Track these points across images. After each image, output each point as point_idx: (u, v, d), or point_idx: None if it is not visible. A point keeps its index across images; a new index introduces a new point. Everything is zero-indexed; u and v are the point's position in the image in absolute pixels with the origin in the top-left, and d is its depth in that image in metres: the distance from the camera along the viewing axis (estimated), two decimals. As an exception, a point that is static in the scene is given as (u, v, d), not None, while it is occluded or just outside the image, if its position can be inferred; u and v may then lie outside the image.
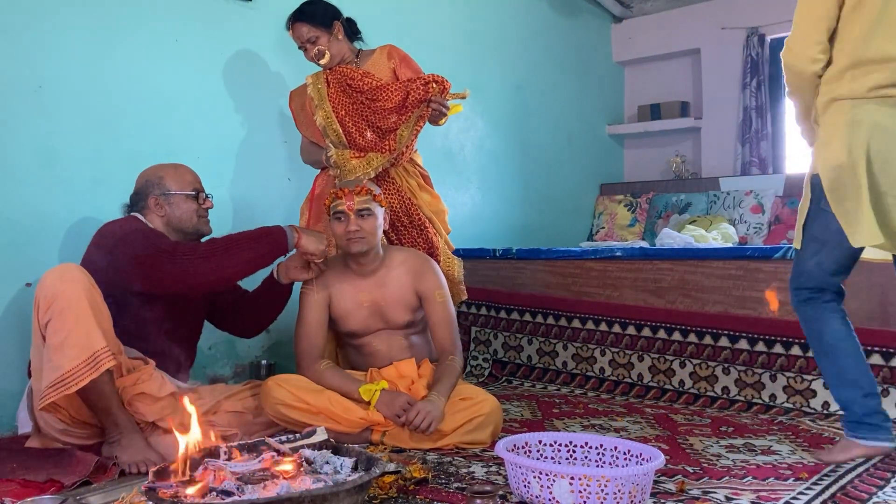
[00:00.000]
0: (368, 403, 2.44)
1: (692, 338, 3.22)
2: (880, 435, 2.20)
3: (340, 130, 2.95)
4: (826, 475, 2.10)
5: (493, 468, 2.19)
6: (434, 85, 2.83)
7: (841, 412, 2.30)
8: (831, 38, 2.18)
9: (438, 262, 3.01)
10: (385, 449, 2.38)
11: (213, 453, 1.79)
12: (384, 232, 2.78)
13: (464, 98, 2.89)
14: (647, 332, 3.34)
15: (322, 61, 2.94)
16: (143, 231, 2.32)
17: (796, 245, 2.32)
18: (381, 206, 2.57)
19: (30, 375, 2.33)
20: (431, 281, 2.63)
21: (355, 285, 2.62)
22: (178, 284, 2.29)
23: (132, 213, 2.44)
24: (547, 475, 1.77)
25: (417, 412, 2.34)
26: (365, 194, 2.50)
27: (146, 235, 2.31)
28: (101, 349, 2.10)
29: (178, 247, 2.30)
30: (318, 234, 2.48)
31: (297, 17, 2.92)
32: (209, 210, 2.52)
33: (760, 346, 3.04)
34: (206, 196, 2.50)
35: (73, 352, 2.08)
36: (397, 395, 2.45)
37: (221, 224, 3.11)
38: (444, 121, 2.96)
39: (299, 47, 2.97)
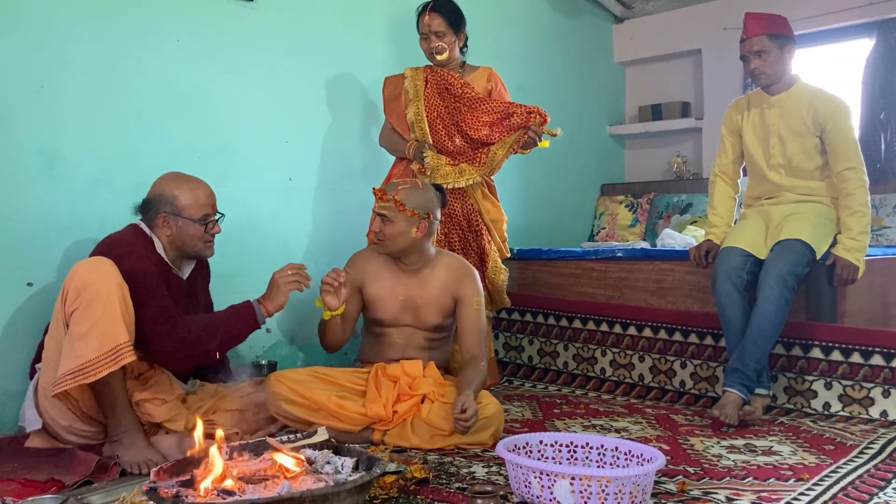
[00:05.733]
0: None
1: (693, 338, 3.21)
2: None
3: (427, 130, 3.14)
4: (827, 476, 2.10)
5: (494, 468, 2.19)
6: (537, 116, 3.05)
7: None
8: None
9: (487, 267, 3.21)
10: (386, 449, 2.38)
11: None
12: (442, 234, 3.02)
13: (555, 136, 3.10)
14: (648, 332, 3.33)
15: (439, 57, 3.13)
16: (144, 275, 2.24)
17: None
18: (408, 215, 2.56)
19: (32, 375, 2.33)
20: (471, 287, 2.67)
21: (395, 277, 2.67)
22: (163, 355, 2.27)
23: (139, 224, 2.39)
24: (548, 475, 1.77)
25: (466, 407, 2.31)
26: (386, 201, 2.56)
27: (149, 291, 2.23)
28: (124, 343, 2.11)
29: (176, 325, 2.25)
30: (279, 290, 2.41)
31: (435, 8, 3.10)
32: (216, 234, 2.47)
33: (761, 347, 3.03)
34: (217, 220, 2.45)
35: (96, 342, 2.08)
36: None
37: (222, 225, 3.10)
38: (529, 150, 3.18)
39: (421, 33, 3.15)
